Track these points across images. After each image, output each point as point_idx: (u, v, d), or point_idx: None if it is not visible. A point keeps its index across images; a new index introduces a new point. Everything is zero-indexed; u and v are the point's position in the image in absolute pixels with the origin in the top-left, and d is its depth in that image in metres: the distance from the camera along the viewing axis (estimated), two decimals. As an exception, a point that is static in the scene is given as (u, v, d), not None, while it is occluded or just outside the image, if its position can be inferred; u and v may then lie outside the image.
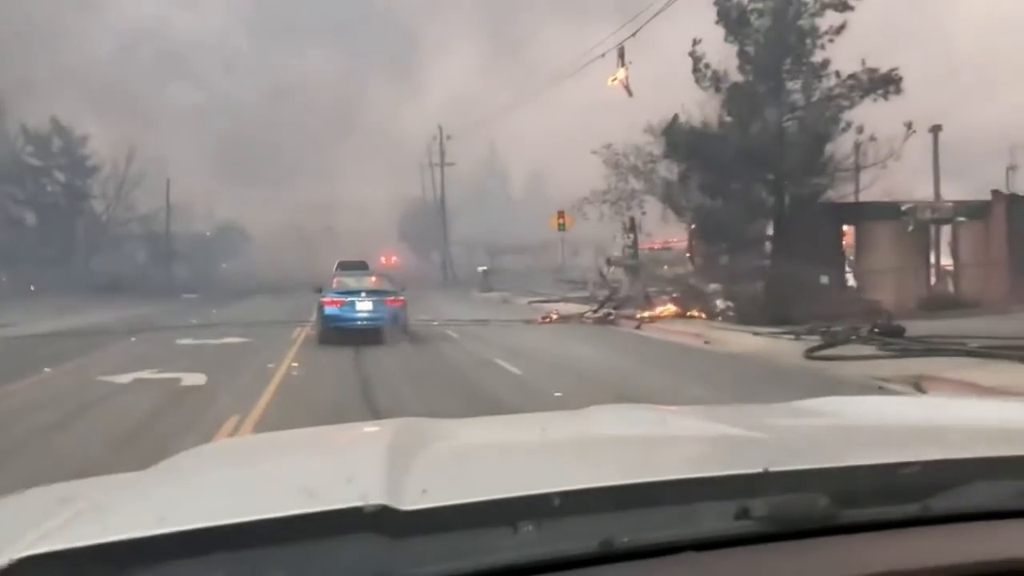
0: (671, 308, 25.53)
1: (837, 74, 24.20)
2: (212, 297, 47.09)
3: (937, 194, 28.87)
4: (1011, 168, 38.11)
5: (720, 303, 25.08)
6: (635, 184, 43.04)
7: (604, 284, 38.02)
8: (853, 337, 16.99)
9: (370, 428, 2.97)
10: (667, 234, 41.19)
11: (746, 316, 22.47)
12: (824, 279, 23.32)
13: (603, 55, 25.78)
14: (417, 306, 32.78)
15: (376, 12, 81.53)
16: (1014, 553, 1.31)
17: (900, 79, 23.46)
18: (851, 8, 24.20)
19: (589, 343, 19.44)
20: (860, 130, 24.19)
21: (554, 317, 26.09)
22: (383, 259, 65.74)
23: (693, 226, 35.67)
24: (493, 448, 1.98)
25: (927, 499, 1.38)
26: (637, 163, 43.57)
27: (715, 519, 1.31)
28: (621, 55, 24.31)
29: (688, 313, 25.00)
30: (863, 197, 25.10)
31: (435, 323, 25.73)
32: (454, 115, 73.06)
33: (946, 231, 25.28)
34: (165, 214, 66.29)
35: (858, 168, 24.43)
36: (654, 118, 31.84)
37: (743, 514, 1.30)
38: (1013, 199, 24.06)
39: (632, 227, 36.74)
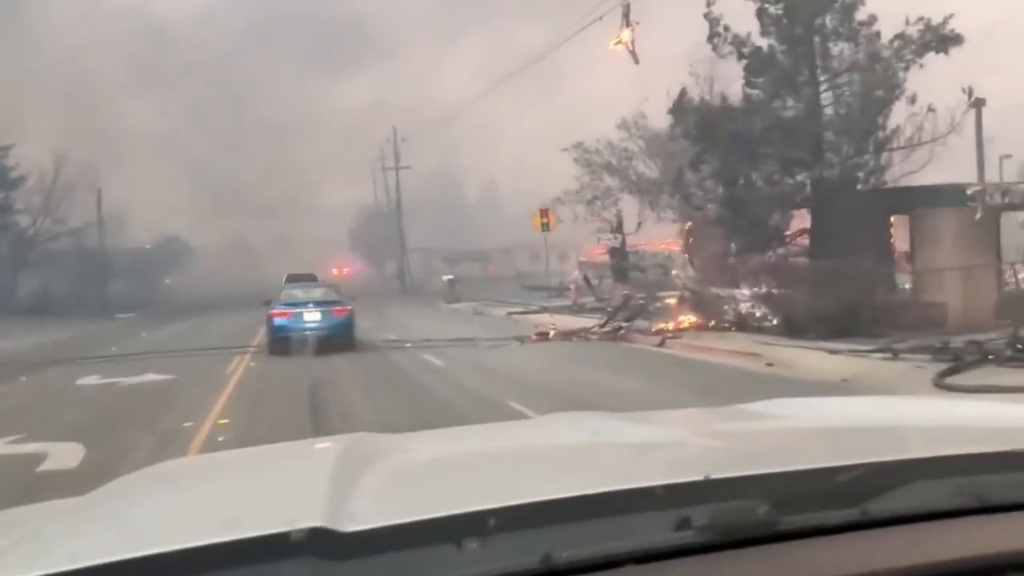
0: (692, 319, 20.72)
1: (878, 34, 19.65)
2: (150, 316, 41.64)
3: (981, 179, 24.53)
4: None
5: (749, 310, 20.36)
6: (611, 182, 38.76)
7: (589, 291, 33.31)
8: (991, 357, 12.31)
9: (319, 445, 2.46)
10: (646, 235, 36.93)
11: (794, 327, 17.77)
12: (898, 281, 18.73)
13: (601, 18, 20.95)
14: (379, 322, 27.87)
15: (328, 9, 75.77)
16: (951, 555, 1.28)
17: (958, 35, 18.99)
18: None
19: (619, 371, 14.50)
20: (912, 99, 19.66)
21: (551, 333, 21.10)
22: (335, 270, 61.09)
23: (689, 224, 31.30)
24: (440, 463, 1.87)
25: (865, 502, 1.33)
26: (611, 160, 39.37)
27: (656, 530, 1.27)
28: (626, 13, 19.52)
29: (713, 324, 20.23)
30: (914, 181, 20.59)
31: (408, 345, 20.66)
32: (412, 116, 67.90)
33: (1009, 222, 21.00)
34: (98, 227, 60.01)
35: (911, 146, 19.89)
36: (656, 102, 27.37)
37: (684, 524, 1.26)
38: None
39: (619, 226, 32.14)
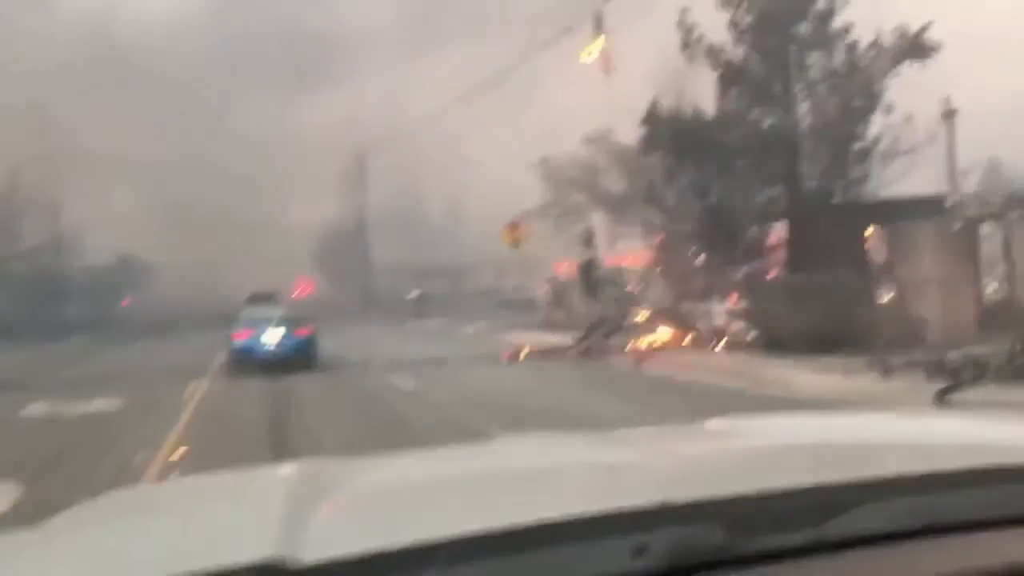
0: (668, 335, 20.06)
1: (854, 44, 19.21)
2: (107, 337, 40.20)
3: (953, 189, 24.25)
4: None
5: (726, 325, 19.76)
6: (578, 197, 38.22)
7: (560, 307, 32.59)
8: (991, 373, 11.73)
9: (273, 471, 2.35)
10: (615, 250, 36.31)
11: (776, 343, 17.16)
12: (886, 292, 18.19)
13: (570, 28, 20.28)
14: (345, 342, 26.92)
15: (295, 26, 74.41)
16: None
17: (933, 45, 18.61)
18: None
19: (603, 395, 13.73)
20: (889, 109, 19.24)
21: (525, 352, 20.31)
22: (298, 288, 59.99)
23: (660, 238, 30.79)
24: (399, 489, 1.84)
25: (821, 525, 1.31)
26: (579, 175, 38.81)
27: (613, 558, 1.24)
28: (598, 23, 18.87)
29: (690, 341, 19.59)
30: (892, 192, 20.16)
31: (375, 365, 19.74)
32: (378, 132, 66.74)
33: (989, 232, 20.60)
34: (53, 247, 58.25)
35: (889, 156, 19.44)
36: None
37: (641, 551, 1.23)
38: (1079, 187, 19.47)
39: (589, 241, 31.49)
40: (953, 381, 11.78)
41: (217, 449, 10.36)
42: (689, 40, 19.81)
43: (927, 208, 19.52)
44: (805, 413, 3.40)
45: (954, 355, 12.73)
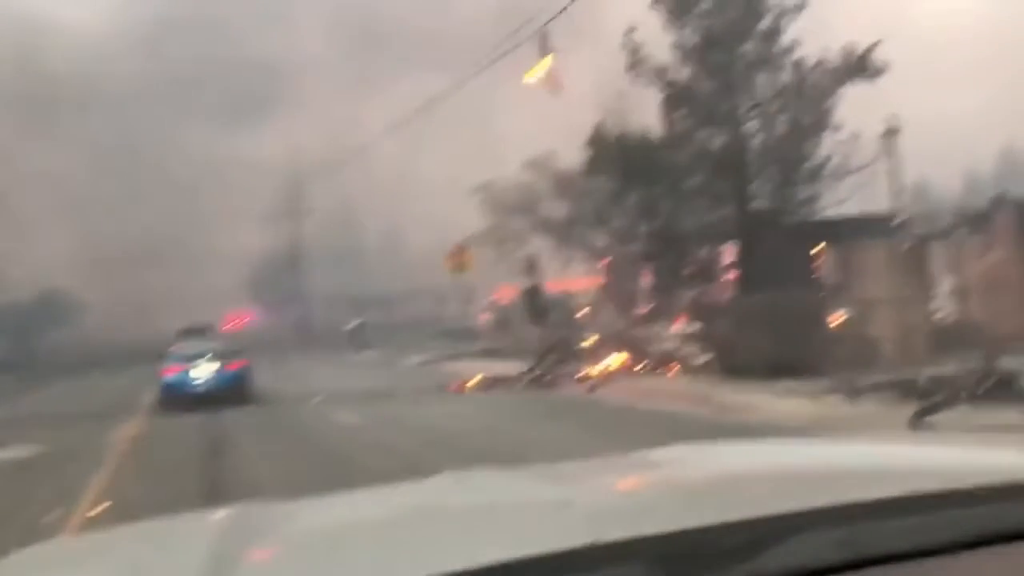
0: (621, 361, 19.41)
1: (800, 62, 18.98)
2: (30, 377, 38.09)
3: (899, 209, 24.24)
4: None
5: (677, 349, 19.23)
6: (520, 223, 37.69)
7: (506, 334, 31.81)
8: (964, 394, 11.27)
9: (200, 518, 2.27)
10: (558, 275, 35.76)
11: (732, 367, 16.63)
12: (838, 313, 17.79)
13: (517, 46, 19.64)
14: (282, 375, 25.76)
15: (229, 55, 72.48)
16: None
17: (881, 65, 18.47)
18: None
19: (563, 427, 12.91)
20: (836, 128, 19.02)
21: (474, 383, 19.44)
22: (232, 321, 58.28)
23: (607, 261, 30.35)
24: (331, 532, 1.81)
25: (756, 560, 1.29)
26: (521, 201, 38.34)
27: None
28: (543, 43, 18.27)
29: (644, 366, 18.98)
30: (842, 212, 19.90)
31: (317, 400, 18.68)
32: (313, 161, 65.16)
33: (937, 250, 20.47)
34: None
35: (837, 175, 19.18)
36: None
37: None
38: (1022, 206, 19.34)
39: (534, 266, 30.85)
40: (926, 403, 11.30)
41: (144, 502, 9.30)
42: (635, 60, 19.36)
43: (877, 227, 19.30)
44: (758, 440, 3.20)
45: (923, 376, 12.28)
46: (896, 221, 18.94)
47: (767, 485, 1.81)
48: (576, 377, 18.69)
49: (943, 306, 19.29)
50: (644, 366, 19.03)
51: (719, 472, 2.01)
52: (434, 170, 60.73)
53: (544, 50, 18.15)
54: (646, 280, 26.21)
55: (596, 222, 31.97)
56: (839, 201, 19.59)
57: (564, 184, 35.87)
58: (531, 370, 19.54)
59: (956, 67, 48.60)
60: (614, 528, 1.33)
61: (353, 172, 64.98)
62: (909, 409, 11.29)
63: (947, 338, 17.62)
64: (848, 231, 19.25)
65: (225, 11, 69.98)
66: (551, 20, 18.81)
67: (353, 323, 44.07)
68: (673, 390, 15.18)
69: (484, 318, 45.20)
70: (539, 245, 36.22)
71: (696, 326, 19.82)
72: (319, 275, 64.16)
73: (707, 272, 19.88)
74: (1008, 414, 10.20)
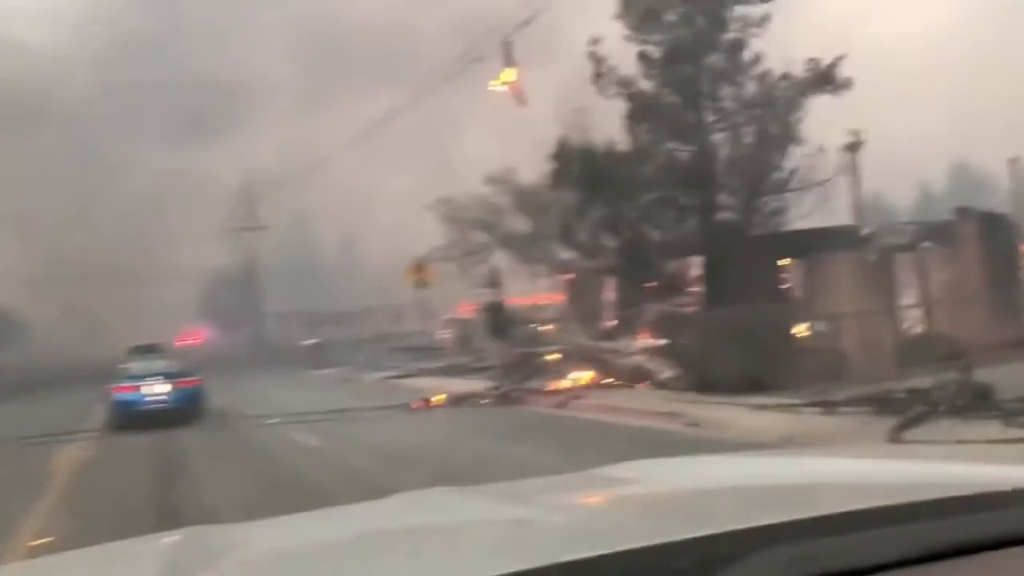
0: (589, 376, 19.04)
1: (765, 74, 18.88)
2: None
3: (858, 220, 24.29)
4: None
5: (644, 363, 18.92)
6: (480, 238, 37.32)
7: (468, 350, 31.31)
8: (942, 408, 11.04)
9: (150, 542, 2.28)
10: (519, 290, 35.38)
11: (702, 381, 16.35)
12: (806, 326, 17.61)
13: (479, 58, 19.30)
14: (239, 394, 25.00)
15: (180, 72, 70.91)
16: None
17: (844, 80, 18.41)
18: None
19: (536, 446, 12.42)
20: (801, 141, 18.94)
21: (439, 400, 18.92)
22: (185, 338, 57.04)
23: (570, 275, 30.09)
24: (285, 555, 1.79)
25: None
26: (482, 216, 37.99)
27: None
28: (508, 52, 17.93)
29: (611, 381, 18.63)
30: (808, 224, 19.80)
31: (275, 421, 18.04)
32: (268, 175, 63.97)
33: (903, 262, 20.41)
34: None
35: (801, 188, 19.09)
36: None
37: None
38: (987, 218, 19.36)
39: (496, 280, 30.46)
40: (904, 417, 11.07)
41: (94, 526, 8.68)
42: (600, 71, 19.12)
43: (843, 239, 19.24)
44: (719, 455, 3.06)
45: (898, 390, 12.05)
46: (863, 233, 18.87)
47: (728, 500, 1.81)
48: (543, 393, 18.27)
49: (910, 318, 19.24)
50: (612, 381, 18.67)
51: (679, 488, 2.00)
52: (394, 185, 60.16)
53: (509, 60, 17.81)
54: (610, 294, 25.99)
55: (560, 236, 31.72)
56: (804, 215, 19.48)
57: (526, 198, 35.62)
58: (497, 386, 19.07)
59: (907, 86, 49.49)
60: (574, 547, 1.33)
61: (311, 188, 64.17)
62: (887, 423, 11.05)
63: (915, 350, 17.50)
64: (814, 243, 19.14)
65: (180, 28, 69.02)
66: (515, 30, 18.54)
67: (310, 341, 43.19)
68: (644, 406, 14.81)
69: (444, 334, 44.66)
70: (500, 260, 35.93)
71: (663, 340, 19.57)
72: (276, 292, 63.10)
73: (674, 285, 19.62)
74: (989, 428, 9.99)
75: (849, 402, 12.27)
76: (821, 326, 18.30)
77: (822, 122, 19.46)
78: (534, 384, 19.04)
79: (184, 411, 18.63)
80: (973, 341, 17.76)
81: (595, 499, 2.10)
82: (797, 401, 13.12)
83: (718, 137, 19.02)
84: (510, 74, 18.05)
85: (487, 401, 18.41)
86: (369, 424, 16.48)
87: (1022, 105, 48.09)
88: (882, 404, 11.86)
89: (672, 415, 13.59)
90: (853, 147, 22.20)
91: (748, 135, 18.85)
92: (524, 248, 35.84)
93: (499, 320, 30.15)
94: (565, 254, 34.88)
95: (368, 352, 42.21)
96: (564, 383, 18.82)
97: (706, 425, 12.65)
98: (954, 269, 18.91)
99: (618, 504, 2.00)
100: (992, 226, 18.91)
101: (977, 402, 11.09)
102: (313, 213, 69.88)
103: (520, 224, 36.40)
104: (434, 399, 18.90)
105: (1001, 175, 48.44)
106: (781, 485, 1.89)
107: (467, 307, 50.36)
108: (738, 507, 1.72)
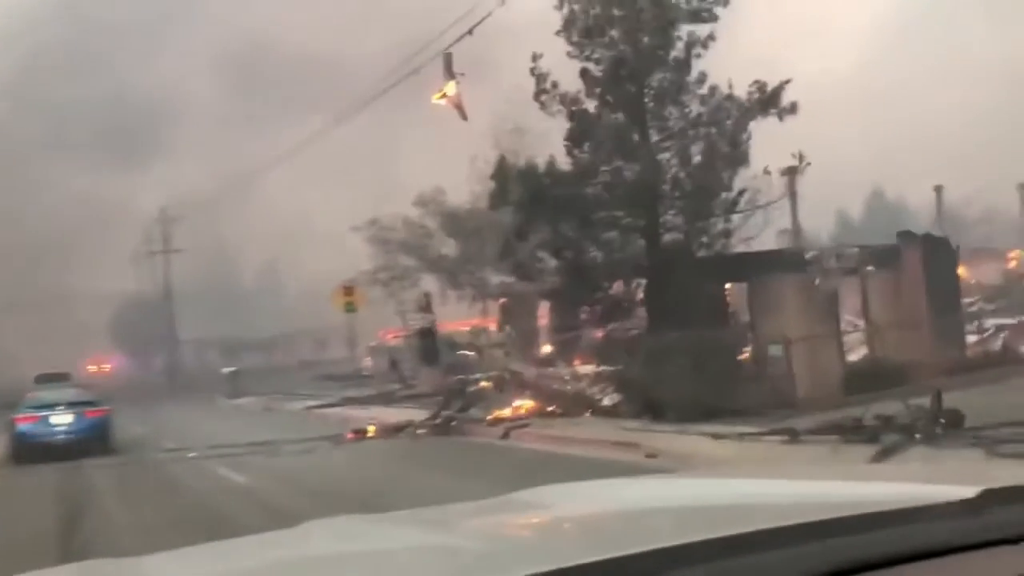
0: (530, 404, 18.16)
1: (712, 92, 18.47)
2: None
3: (796, 242, 24.19)
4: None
5: (585, 390, 18.18)
6: (408, 261, 36.32)
7: (397, 377, 30.14)
8: (918, 436, 10.49)
9: None
10: (447, 315, 34.40)
11: (652, 408, 15.65)
12: (753, 351, 17.09)
13: (417, 70, 18.42)
14: (156, 425, 23.45)
15: (98, 93, 67.57)
16: None
17: (792, 103, 18.10)
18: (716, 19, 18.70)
19: (485, 482, 11.45)
20: (745, 161, 18.54)
21: (371, 431, 17.76)
22: (93, 367, 54.38)
23: (504, 299, 29.30)
24: None
25: None
26: (410, 238, 36.98)
27: None
28: (449, 64, 17.09)
29: (554, 409, 17.78)
30: (748, 246, 19.39)
31: (193, 455, 16.64)
32: (184, 197, 61.45)
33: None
34: None
35: (746, 209, 18.68)
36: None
37: None
38: (929, 242, 19.23)
39: (428, 305, 29.44)
40: (881, 447, 10.49)
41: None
42: (543, 88, 18.44)
43: (788, 262, 18.87)
44: (628, 478, 2.95)
45: (865, 417, 11.49)
46: (807, 256, 18.53)
47: (637, 523, 1.85)
48: (484, 422, 17.31)
49: (855, 343, 18.94)
50: (553, 409, 17.82)
51: (589, 512, 2.02)
52: (320, 207, 58.50)
53: (449, 72, 16.98)
54: (546, 319, 25.29)
55: (500, 257, 30.93)
56: (747, 237, 19.09)
57: (457, 220, 34.76)
58: (435, 415, 18.00)
59: (826, 118, 50.51)
60: (485, 572, 1.41)
61: (232, 211, 62.12)
62: (858, 451, 10.49)
63: (863, 376, 17.18)
64: (759, 266, 18.73)
65: (108, 46, 66.17)
66: (453, 44, 17.76)
67: (228, 368, 41.27)
68: (595, 435, 14.00)
69: (369, 362, 43.36)
70: (429, 284, 34.93)
71: (606, 366, 18.87)
72: (192, 318, 60.61)
73: (617, 309, 18.93)
74: (970, 456, 9.47)
75: (815, 430, 11.65)
76: (769, 350, 17.82)
77: (756, 146, 19.18)
78: (472, 413, 18.05)
79: (91, 442, 17.85)
80: (920, 366, 17.59)
81: (506, 524, 2.06)
82: (757, 429, 12.47)
83: (664, 157, 18.45)
84: (451, 87, 17.22)
85: (424, 431, 17.33)
86: (299, 458, 15.24)
87: (934, 136, 49.67)
88: (849, 432, 11.28)
89: (628, 445, 12.80)
90: (791, 171, 21.97)
91: (694, 155, 18.36)
92: (454, 272, 34.99)
93: (430, 346, 29.12)
94: (497, 278, 34.19)
95: (290, 379, 40.60)
96: (503, 412, 17.88)
97: (667, 455, 11.89)
98: (898, 293, 18.71)
99: (528, 529, 1.99)
100: (934, 250, 18.79)
101: (951, 429, 10.60)
102: (234, 236, 67.49)
103: (450, 247, 35.58)
104: (368, 430, 17.72)
105: (915, 203, 49.83)
106: (691, 506, 1.90)
107: (392, 333, 49.05)
108: (647, 529, 1.71)
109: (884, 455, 9.96)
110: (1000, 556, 1.40)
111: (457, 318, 39.05)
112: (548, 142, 19.69)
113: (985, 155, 44.07)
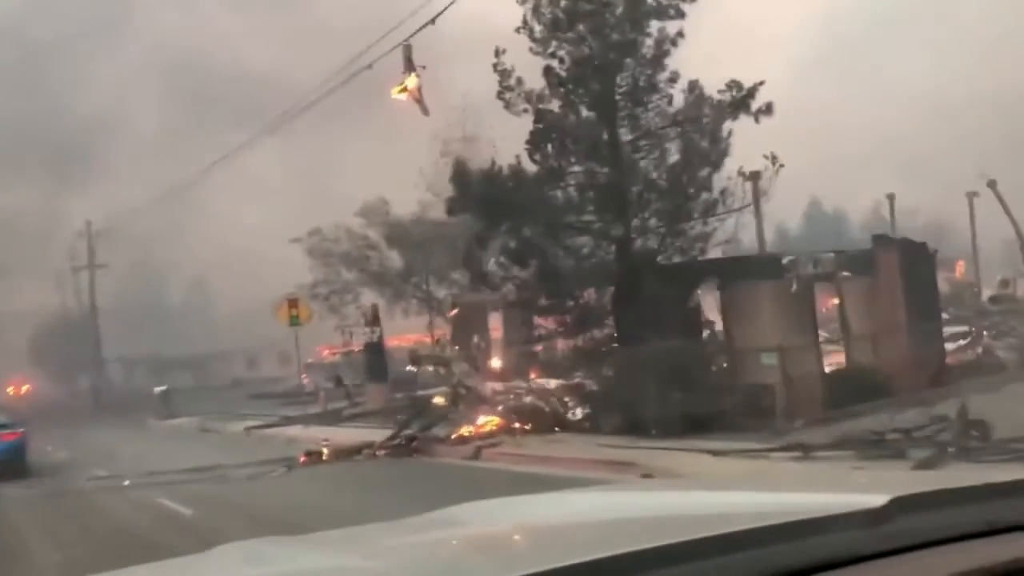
0: (494, 421, 16.84)
1: (687, 89, 17.54)
2: None
3: (761, 248, 23.44)
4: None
5: (555, 403, 16.99)
6: (348, 275, 34.80)
7: (338, 395, 28.44)
8: (952, 449, 9.54)
9: None
10: (392, 329, 32.88)
11: (631, 423, 14.55)
12: (732, 360, 16.09)
13: (370, 66, 17.02)
14: (80, 450, 21.49)
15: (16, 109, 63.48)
16: None
17: (768, 103, 17.26)
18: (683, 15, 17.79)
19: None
20: (717, 165, 17.64)
21: (326, 454, 16.18)
22: (10, 389, 51.51)
23: (455, 311, 27.99)
24: None
25: None
26: (351, 250, 35.41)
27: None
28: (408, 56, 15.78)
29: (521, 426, 16.51)
30: (720, 251, 18.47)
31: (127, 482, 14.88)
32: (110, 211, 58.23)
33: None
34: None
35: (721, 214, 17.78)
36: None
37: None
38: (906, 247, 18.53)
39: (375, 319, 27.94)
40: (915, 463, 9.50)
41: None
42: (507, 84, 17.26)
43: (763, 268, 17.98)
44: (551, 492, 2.54)
45: (885, 430, 10.52)
46: (785, 260, 17.65)
47: (555, 537, 1.83)
48: (448, 441, 15.94)
49: (833, 351, 18.12)
50: (521, 426, 16.54)
51: (506, 528, 2.02)
52: (253, 221, 56.20)
53: (409, 64, 15.67)
54: (499, 330, 24.12)
55: (448, 268, 29.68)
56: (719, 242, 18.20)
57: (402, 231, 33.33)
58: (395, 435, 16.49)
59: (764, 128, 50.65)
60: None
61: (159, 225, 59.22)
62: (878, 467, 9.50)
63: (847, 385, 16.36)
64: (734, 272, 17.81)
65: (35, 62, 62.66)
66: (413, 35, 16.44)
67: (159, 388, 38.82)
68: (578, 454, 12.78)
69: (306, 379, 41.56)
70: (371, 298, 33.40)
71: (573, 378, 17.74)
72: (118, 336, 57.58)
73: (588, 318, 17.78)
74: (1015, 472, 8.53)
75: (829, 446, 10.63)
76: (762, 359, 16.85)
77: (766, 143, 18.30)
78: (435, 432, 16.64)
79: (5, 466, 16.99)
80: (904, 375, 16.86)
81: (423, 543, 2.01)
82: (761, 445, 11.41)
83: (635, 159, 17.41)
84: (412, 80, 15.91)
85: (384, 452, 15.85)
86: (251, 485, 13.63)
87: (871, 147, 50.11)
88: (869, 447, 10.30)
89: (620, 464, 11.61)
90: (753, 176, 21.19)
91: (667, 156, 17.38)
92: (398, 285, 33.50)
93: (378, 361, 27.57)
94: (445, 289, 32.84)
95: (225, 399, 38.46)
96: (466, 430, 16.53)
97: (667, 476, 10.71)
98: (875, 299, 17.96)
99: (444, 548, 1.97)
100: (911, 255, 18.11)
101: (983, 442, 9.68)
102: (163, 251, 64.53)
103: (394, 259, 34.09)
104: (322, 452, 16.13)
105: (853, 214, 50.09)
106: (610, 519, 1.90)
107: (330, 350, 47.10)
108: (562, 545, 1.70)
109: (921, 468, 8.96)
110: (907, 564, 1.42)
111: (402, 332, 37.51)
112: (498, 151, 18.58)
113: (929, 168, 44.38)
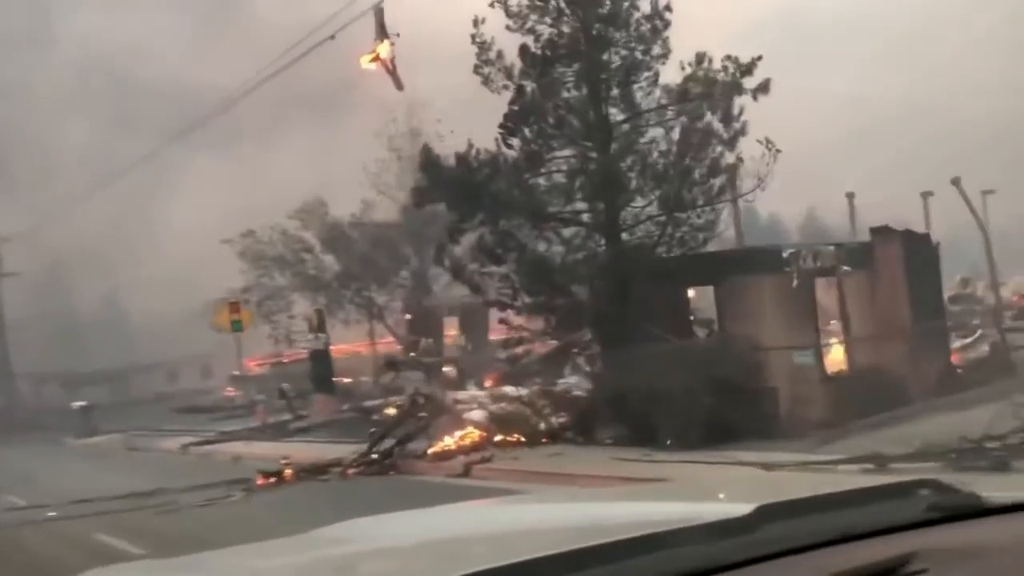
0: (475, 433, 14.88)
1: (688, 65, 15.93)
2: None
3: (740, 241, 22.02)
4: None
5: (539, 410, 15.18)
6: (281, 280, 32.69)
7: (286, 407, 26.01)
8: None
9: None
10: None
11: (642, 432, 12.83)
12: (806, 358, 14.48)
13: (333, 36, 14.91)
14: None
15: None
16: None
17: (766, 80, 15.80)
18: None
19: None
20: (714, 148, 16.11)
21: (288, 474, 13.92)
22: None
23: (410, 316, 26.01)
24: None
25: None
26: (284, 253, 33.25)
27: None
28: (381, 21, 13.78)
29: (504, 438, 14.63)
30: (716, 243, 16.95)
31: (52, 513, 12.42)
32: (24, 214, 53.85)
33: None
34: None
35: (717, 203, 16.24)
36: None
37: None
38: (908, 239, 17.25)
39: (321, 324, 25.69)
40: (1003, 473, 7.97)
41: None
42: (485, 57, 15.38)
43: (762, 262, 16.47)
44: (447, 505, 2.63)
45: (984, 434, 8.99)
46: (785, 254, 16.18)
47: (432, 553, 1.79)
48: (426, 457, 13.92)
49: (838, 350, 16.71)
50: (506, 438, 14.65)
51: (393, 545, 1.96)
52: (175, 228, 52.76)
53: (381, 31, 13.67)
54: (453, 334, 22.30)
55: (390, 273, 27.65)
56: (713, 235, 16.69)
57: (340, 233, 31.18)
58: (368, 451, 14.31)
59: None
60: None
61: (71, 234, 55.19)
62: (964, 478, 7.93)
63: (862, 387, 14.96)
64: (730, 265, 16.29)
65: None
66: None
67: (78, 404, 35.50)
68: (589, 470, 10.96)
69: (232, 392, 38.91)
70: (304, 305, 31.17)
71: (559, 384, 15.98)
72: (28, 350, 53.50)
73: (578, 315, 15.99)
74: None
75: (909, 456, 9.03)
76: (794, 358, 15.34)
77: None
78: (411, 447, 14.57)
79: None
80: (920, 377, 15.61)
81: (307, 562, 1.97)
82: (821, 457, 9.78)
83: (628, 142, 15.72)
84: (384, 48, 13.89)
85: (357, 471, 13.70)
86: (205, 515, 11.33)
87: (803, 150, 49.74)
88: (958, 457, 8.75)
89: (655, 483, 9.79)
90: (731, 168, 19.79)
91: (659, 142, 15.76)
92: (336, 290, 31.27)
93: (324, 370, 25.31)
94: (388, 295, 30.70)
95: (148, 414, 35.42)
96: (447, 444, 14.54)
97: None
98: (877, 296, 16.67)
99: (327, 566, 1.90)
100: (914, 248, 16.87)
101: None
102: (76, 261, 60.28)
103: (331, 263, 31.88)
104: (284, 472, 13.88)
105: (790, 216, 49.61)
106: (495, 533, 1.88)
107: (258, 361, 44.11)
108: (442, 559, 1.65)
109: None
110: (773, 571, 1.41)
111: (338, 341, 34.97)
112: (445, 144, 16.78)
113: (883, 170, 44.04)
